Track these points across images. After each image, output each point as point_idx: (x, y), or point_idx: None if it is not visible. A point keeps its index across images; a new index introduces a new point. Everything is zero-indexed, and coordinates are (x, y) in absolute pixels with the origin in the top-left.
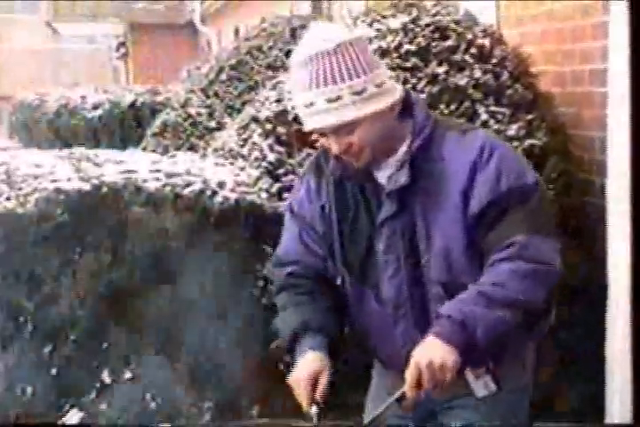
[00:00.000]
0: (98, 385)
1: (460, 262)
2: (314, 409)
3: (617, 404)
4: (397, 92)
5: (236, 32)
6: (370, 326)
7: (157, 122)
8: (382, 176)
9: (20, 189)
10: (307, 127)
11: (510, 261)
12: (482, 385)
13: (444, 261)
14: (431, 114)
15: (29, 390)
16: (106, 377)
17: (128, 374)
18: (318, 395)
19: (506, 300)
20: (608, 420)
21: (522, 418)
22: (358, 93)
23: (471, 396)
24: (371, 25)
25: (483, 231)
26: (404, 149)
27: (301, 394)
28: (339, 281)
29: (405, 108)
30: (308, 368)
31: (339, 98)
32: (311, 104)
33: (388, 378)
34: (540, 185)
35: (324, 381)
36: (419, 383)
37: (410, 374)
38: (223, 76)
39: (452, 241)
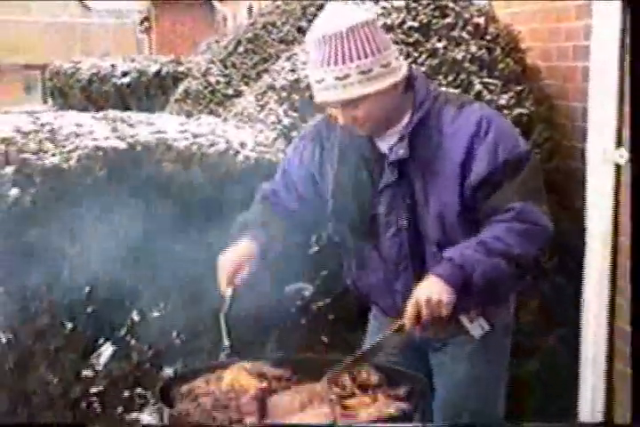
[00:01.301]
0: (129, 322)
1: (453, 225)
2: (229, 291)
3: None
4: (402, 71)
5: (250, 10)
6: (372, 280)
7: (180, 89)
8: (384, 146)
9: (63, 146)
10: (317, 100)
11: (507, 222)
12: (477, 326)
13: (439, 224)
14: (431, 89)
15: (70, 325)
16: (135, 316)
17: (156, 313)
18: (237, 279)
19: (502, 251)
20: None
21: (505, 354)
22: (364, 73)
23: (461, 335)
24: (377, 2)
25: (481, 199)
26: (405, 121)
27: (221, 275)
28: (336, 239)
29: (408, 83)
30: (234, 253)
31: (346, 76)
32: (322, 80)
33: (385, 323)
34: (532, 153)
35: (247, 267)
36: (417, 317)
37: (410, 308)
38: (240, 49)
39: (447, 206)
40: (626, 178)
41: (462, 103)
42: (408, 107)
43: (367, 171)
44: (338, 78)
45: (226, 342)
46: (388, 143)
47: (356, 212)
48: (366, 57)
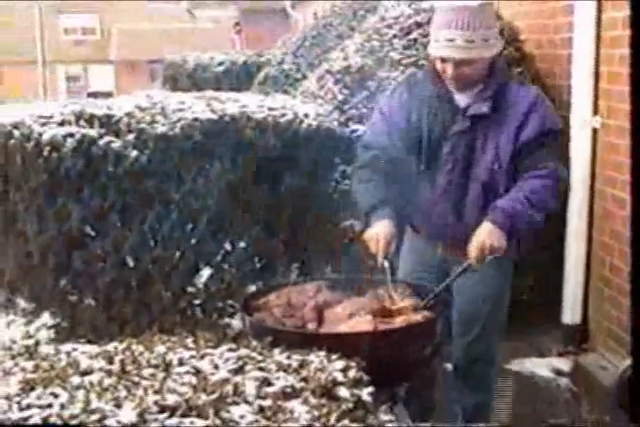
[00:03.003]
0: (222, 251)
1: (499, 171)
2: (386, 263)
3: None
4: (500, 44)
5: (315, 14)
6: (421, 206)
7: (261, 75)
8: (461, 100)
9: (170, 118)
10: (438, 54)
11: (543, 178)
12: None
13: (489, 168)
14: (503, 66)
15: (177, 253)
16: (227, 246)
17: (242, 244)
18: (390, 252)
19: (540, 205)
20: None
21: (508, 278)
22: (485, 40)
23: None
24: (410, 6)
25: (525, 155)
26: (481, 86)
27: (378, 249)
28: (414, 167)
29: None
30: (384, 230)
31: (472, 41)
32: (452, 40)
33: (419, 243)
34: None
35: (394, 243)
36: (482, 258)
37: (476, 251)
38: (307, 43)
39: (500, 155)
40: (600, 139)
41: (522, 81)
42: (486, 76)
43: (442, 117)
44: (467, 41)
45: (395, 298)
46: (464, 99)
47: (427, 147)
48: (488, 29)
